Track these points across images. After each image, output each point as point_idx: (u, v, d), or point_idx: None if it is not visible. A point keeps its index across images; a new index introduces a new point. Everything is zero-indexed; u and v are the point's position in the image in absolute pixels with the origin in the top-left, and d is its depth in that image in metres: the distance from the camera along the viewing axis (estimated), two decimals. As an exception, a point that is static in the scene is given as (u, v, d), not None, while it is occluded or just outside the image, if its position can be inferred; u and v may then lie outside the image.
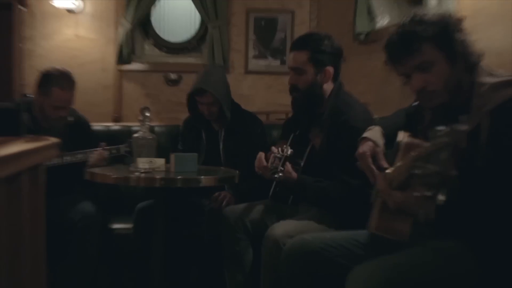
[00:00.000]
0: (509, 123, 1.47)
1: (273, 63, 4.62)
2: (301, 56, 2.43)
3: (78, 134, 3.00)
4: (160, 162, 2.48)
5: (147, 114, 2.49)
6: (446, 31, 1.58)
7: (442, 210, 1.36)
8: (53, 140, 1.16)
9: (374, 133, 1.98)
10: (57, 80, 2.78)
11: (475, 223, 1.48)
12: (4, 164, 0.85)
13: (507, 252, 1.49)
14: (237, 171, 2.55)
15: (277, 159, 2.28)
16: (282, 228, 2.23)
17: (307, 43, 2.45)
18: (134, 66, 4.48)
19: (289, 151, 2.28)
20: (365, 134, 1.98)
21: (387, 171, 1.58)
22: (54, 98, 2.78)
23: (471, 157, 1.46)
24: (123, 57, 4.34)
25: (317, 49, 2.42)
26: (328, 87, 2.47)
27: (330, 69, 2.44)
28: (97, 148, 2.84)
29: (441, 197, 1.05)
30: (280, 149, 2.29)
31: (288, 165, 2.31)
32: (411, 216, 1.53)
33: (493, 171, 1.43)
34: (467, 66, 1.61)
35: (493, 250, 1.51)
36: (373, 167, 1.86)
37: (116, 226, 3.10)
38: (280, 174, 2.24)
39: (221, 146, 3.05)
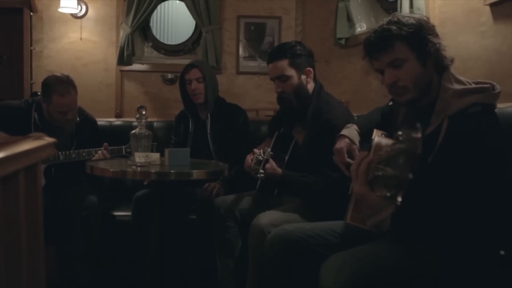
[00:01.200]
0: (463, 128, 1.47)
1: (262, 64, 4.57)
2: (282, 64, 2.41)
3: (85, 131, 3.00)
4: (155, 156, 2.48)
5: (143, 112, 2.48)
6: (419, 32, 1.57)
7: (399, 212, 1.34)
8: (49, 140, 1.13)
9: (351, 131, 1.99)
10: (56, 88, 2.74)
11: (433, 218, 1.47)
12: (1, 165, 0.83)
13: (465, 244, 1.49)
14: (227, 165, 2.55)
15: (258, 161, 2.28)
16: (267, 217, 2.23)
17: (283, 51, 2.43)
18: (134, 66, 4.43)
19: (269, 154, 2.29)
20: (343, 132, 1.99)
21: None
22: (56, 104, 2.76)
23: (428, 155, 1.46)
24: (124, 58, 4.29)
25: (294, 54, 2.41)
26: (311, 87, 2.46)
27: (310, 69, 2.44)
28: (101, 148, 2.83)
29: (399, 199, 1.05)
30: (261, 151, 2.30)
31: (272, 162, 2.32)
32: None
33: (445, 171, 1.43)
34: (437, 68, 1.61)
35: (453, 244, 1.50)
36: (349, 160, 1.88)
37: (118, 213, 3.10)
38: (262, 175, 2.25)
39: (208, 133, 3.07)
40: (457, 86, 1.56)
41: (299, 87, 2.41)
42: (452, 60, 1.63)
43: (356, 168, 1.40)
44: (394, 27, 1.58)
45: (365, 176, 1.35)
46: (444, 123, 1.50)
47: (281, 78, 2.42)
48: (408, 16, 1.61)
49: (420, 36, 1.58)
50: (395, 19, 1.61)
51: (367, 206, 1.38)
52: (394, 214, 1.32)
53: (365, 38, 1.68)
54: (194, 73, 3.01)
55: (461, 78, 1.60)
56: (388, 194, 1.06)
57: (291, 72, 2.40)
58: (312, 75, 2.45)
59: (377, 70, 1.68)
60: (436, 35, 1.60)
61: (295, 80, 2.41)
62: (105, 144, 2.82)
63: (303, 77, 2.42)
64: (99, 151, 2.79)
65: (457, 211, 1.41)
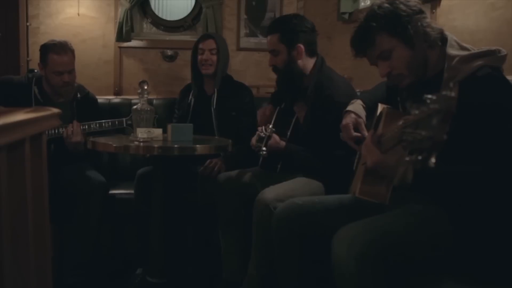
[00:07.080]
0: (475, 93, 1.47)
1: (263, 41, 4.52)
2: (273, 38, 2.44)
3: (85, 109, 2.99)
4: (158, 132, 2.46)
5: (145, 87, 2.46)
6: (396, 18, 1.59)
7: (417, 176, 1.36)
8: (54, 110, 1.11)
9: (356, 106, 2.00)
10: (52, 48, 2.81)
11: (446, 188, 1.48)
12: (7, 131, 0.81)
13: (478, 215, 1.49)
14: (230, 141, 2.53)
15: (260, 138, 2.28)
16: (272, 192, 2.22)
17: (277, 26, 2.47)
18: (133, 43, 4.38)
19: (271, 130, 2.29)
20: (349, 108, 2.01)
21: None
22: (52, 64, 2.79)
23: None
24: (122, 35, 4.23)
25: (286, 29, 2.42)
26: (306, 62, 2.44)
27: (301, 45, 2.41)
28: (102, 121, 2.84)
29: (433, 160, 1.03)
30: (263, 128, 2.30)
31: (276, 136, 2.32)
32: (386, 179, 1.53)
33: (459, 138, 1.42)
34: (429, 44, 1.62)
35: (465, 213, 1.50)
36: (356, 134, 1.88)
37: (118, 191, 3.08)
38: (264, 152, 2.26)
39: (213, 109, 3.06)
40: (462, 52, 1.57)
41: (288, 63, 2.42)
42: (441, 30, 1.64)
43: (366, 143, 1.42)
44: (371, 23, 1.62)
45: (377, 146, 1.38)
46: (454, 90, 1.50)
47: (273, 53, 2.47)
48: (385, 5, 1.63)
49: (397, 21, 1.60)
50: (370, 14, 1.64)
51: (386, 169, 1.42)
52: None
53: (351, 38, 1.72)
54: (209, 44, 3.03)
55: (466, 45, 1.61)
56: (420, 158, 1.04)
57: (280, 47, 2.43)
58: (302, 52, 2.41)
59: (372, 64, 1.73)
60: (418, 12, 1.61)
61: (284, 56, 2.43)
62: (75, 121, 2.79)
63: (293, 52, 2.40)
64: (70, 124, 2.75)
65: (473, 180, 1.41)
